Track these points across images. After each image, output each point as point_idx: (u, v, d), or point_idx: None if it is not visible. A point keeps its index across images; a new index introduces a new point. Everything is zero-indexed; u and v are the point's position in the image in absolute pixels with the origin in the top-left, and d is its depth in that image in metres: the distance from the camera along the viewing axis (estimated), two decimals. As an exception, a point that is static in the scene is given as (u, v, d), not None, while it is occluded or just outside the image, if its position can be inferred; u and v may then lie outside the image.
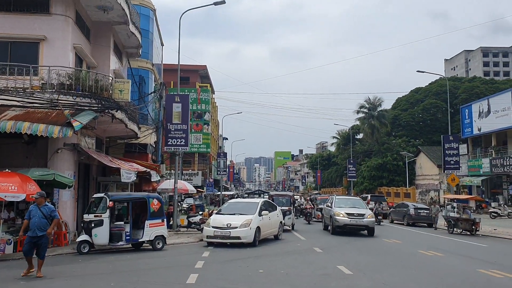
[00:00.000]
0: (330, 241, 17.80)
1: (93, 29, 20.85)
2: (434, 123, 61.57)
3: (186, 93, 21.57)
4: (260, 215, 15.82)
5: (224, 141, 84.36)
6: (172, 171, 29.95)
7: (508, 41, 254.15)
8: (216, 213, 16.63)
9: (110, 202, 13.37)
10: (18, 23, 17.07)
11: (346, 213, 19.62)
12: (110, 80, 17.49)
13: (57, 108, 14.83)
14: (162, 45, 36.32)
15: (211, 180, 53.49)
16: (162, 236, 14.47)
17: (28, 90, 15.37)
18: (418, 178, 56.35)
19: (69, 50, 17.44)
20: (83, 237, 13.42)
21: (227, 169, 57.49)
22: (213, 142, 63.58)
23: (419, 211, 28.55)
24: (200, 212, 22.06)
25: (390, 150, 58.10)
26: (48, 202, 14.49)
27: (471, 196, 27.68)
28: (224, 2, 21.63)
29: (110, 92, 17.13)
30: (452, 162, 30.28)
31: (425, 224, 28.19)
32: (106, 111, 16.35)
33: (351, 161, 54.00)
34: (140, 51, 25.39)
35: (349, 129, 69.18)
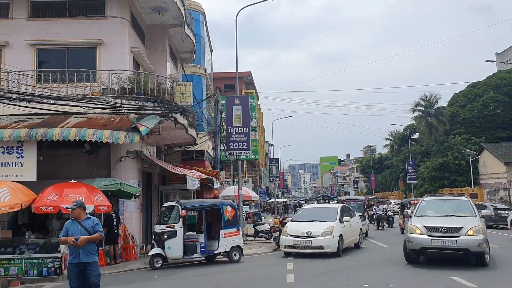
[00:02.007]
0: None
1: (148, 33, 20.09)
2: (495, 119, 57.83)
3: (246, 95, 20.28)
4: (341, 221, 14.25)
5: (270, 147, 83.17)
6: (226, 179, 28.82)
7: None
8: (292, 221, 15.17)
9: (183, 211, 12.23)
10: (74, 28, 16.45)
11: (427, 227, 11.16)
12: (171, 83, 16.51)
13: (120, 113, 13.94)
14: (211, 51, 35.57)
15: (263, 187, 52.25)
16: (239, 246, 13.20)
17: (89, 96, 14.58)
18: (482, 177, 52.86)
19: (126, 54, 16.63)
20: (156, 250, 12.30)
21: (279, 176, 56.04)
22: (260, 148, 62.53)
23: (499, 211, 26.11)
24: (270, 220, 20.70)
25: (450, 149, 54.91)
26: (112, 212, 13.75)
27: None
28: (282, -4, 20.34)
29: (172, 95, 16.16)
30: (532, 156, 27.62)
31: (507, 226, 25.75)
32: (170, 115, 15.38)
33: (411, 163, 51.34)
34: (194, 55, 24.53)
35: (404, 128, 66.41)
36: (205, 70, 28.65)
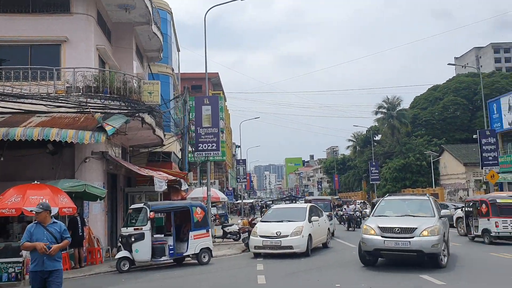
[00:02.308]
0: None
1: (114, 31, 19.62)
2: (455, 121, 59.77)
3: (217, 95, 20.12)
4: (310, 221, 14.29)
5: (237, 148, 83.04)
6: (194, 181, 28.54)
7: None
8: (262, 221, 15.11)
9: (151, 213, 11.97)
10: (37, 24, 15.88)
11: (381, 228, 10.67)
12: (138, 82, 16.17)
13: (85, 112, 13.53)
14: (179, 50, 35.16)
15: (230, 188, 52.07)
16: (208, 248, 13.04)
17: (53, 94, 14.09)
18: (443, 178, 54.48)
19: (92, 51, 16.19)
20: (123, 253, 11.99)
21: (246, 177, 56.02)
22: (227, 150, 62.32)
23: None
24: (238, 221, 20.59)
25: (412, 150, 56.35)
26: (77, 215, 13.32)
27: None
28: (251, -4, 20.31)
29: (139, 94, 15.83)
30: (490, 158, 28.72)
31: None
32: (137, 115, 15.05)
33: (373, 163, 52.33)
34: (161, 54, 24.16)
35: (367, 130, 67.62)
36: (172, 70, 28.30)
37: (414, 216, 11.28)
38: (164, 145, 23.42)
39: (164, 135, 22.03)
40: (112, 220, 18.04)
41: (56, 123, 12.93)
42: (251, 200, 59.80)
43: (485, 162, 28.51)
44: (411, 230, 10.38)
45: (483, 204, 17.06)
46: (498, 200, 16.98)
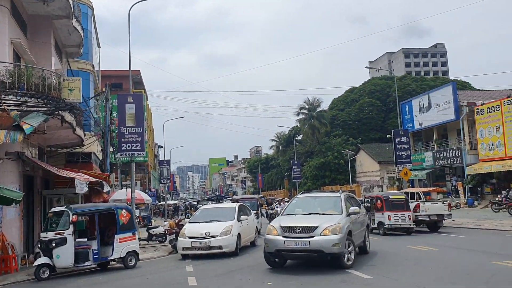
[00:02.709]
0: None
1: (30, 24, 18.41)
2: (370, 121, 63.16)
3: (139, 93, 19.59)
4: (239, 220, 14.41)
5: (160, 149, 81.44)
6: (115, 182, 27.62)
7: (424, 42, 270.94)
8: (190, 222, 14.95)
9: (74, 216, 11.40)
10: None
11: (283, 228, 10.26)
12: (58, 78, 15.30)
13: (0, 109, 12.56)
14: (99, 47, 33.77)
15: (152, 190, 50.90)
16: (135, 251, 12.67)
17: (-39, 90, 12.94)
18: (359, 175, 57.32)
19: (6, 45, 15.07)
20: (42, 259, 11.29)
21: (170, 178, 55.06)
22: (149, 150, 60.88)
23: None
24: (165, 223, 20.18)
25: (331, 149, 58.71)
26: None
27: (434, 188, 27.94)
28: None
29: (59, 91, 14.98)
30: (403, 156, 30.56)
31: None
32: (56, 113, 14.24)
33: (296, 162, 53.79)
34: (82, 50, 23.04)
35: (289, 130, 69.31)
36: (93, 67, 27.10)
37: (321, 214, 10.90)
38: (84, 145, 22.35)
39: (84, 135, 21.05)
40: (28, 225, 16.94)
41: (-35, 122, 11.90)
42: (175, 201, 58.95)
43: (399, 160, 30.32)
44: (312, 229, 9.90)
45: (378, 200, 19.24)
46: (390, 197, 19.35)
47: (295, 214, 11.25)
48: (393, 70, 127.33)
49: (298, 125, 65.86)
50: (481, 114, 34.31)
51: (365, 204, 19.26)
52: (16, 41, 15.81)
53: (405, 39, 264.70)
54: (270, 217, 26.87)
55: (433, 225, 20.03)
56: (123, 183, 37.88)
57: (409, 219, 18.43)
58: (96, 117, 23.70)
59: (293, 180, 55.70)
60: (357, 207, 11.69)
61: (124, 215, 12.60)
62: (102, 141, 27.38)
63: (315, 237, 9.80)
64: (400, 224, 18.25)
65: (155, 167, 70.87)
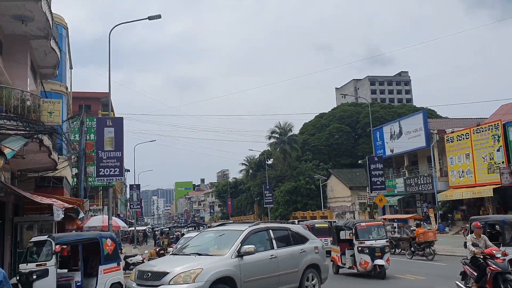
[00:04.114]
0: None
1: (6, 43, 17.72)
2: (340, 147, 63.94)
3: (119, 116, 19.11)
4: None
5: (126, 173, 79.79)
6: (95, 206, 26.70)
7: (387, 70, 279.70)
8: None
9: (57, 246, 10.75)
10: None
11: (138, 272, 8.86)
12: (38, 100, 14.70)
13: (-23, 132, 11.89)
14: (71, 68, 32.97)
15: (121, 215, 49.49)
16: (119, 283, 12.01)
17: None
18: (330, 200, 57.59)
19: (-19, 64, 14.42)
20: (22, 294, 10.55)
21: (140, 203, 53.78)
22: (117, 174, 59.53)
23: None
24: (146, 251, 19.45)
25: (302, 174, 58.89)
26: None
27: (411, 215, 28.29)
28: (159, 17, 19.83)
29: (38, 114, 14.38)
30: (378, 182, 30.90)
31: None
32: (35, 136, 13.62)
33: (267, 187, 53.56)
34: (57, 71, 22.38)
35: (260, 154, 69.29)
36: (66, 88, 26.37)
37: (202, 254, 9.05)
38: (57, 169, 21.52)
39: (58, 159, 20.29)
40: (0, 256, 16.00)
41: None
42: (144, 227, 57.43)
43: (374, 187, 30.60)
44: (161, 275, 8.14)
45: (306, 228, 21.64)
46: (316, 225, 22.90)
47: (179, 254, 9.66)
48: (359, 96, 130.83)
49: (269, 149, 65.98)
50: (451, 141, 35.22)
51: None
52: (-7, 61, 15.16)
53: (369, 67, 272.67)
54: None
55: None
56: (90, 208, 36.67)
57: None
58: (73, 140, 22.91)
59: (264, 206, 55.40)
60: (252, 246, 8.87)
61: (109, 245, 11.99)
62: (76, 165, 26.50)
63: (161, 286, 8.01)
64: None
65: (122, 192, 69.23)
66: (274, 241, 9.81)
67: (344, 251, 15.72)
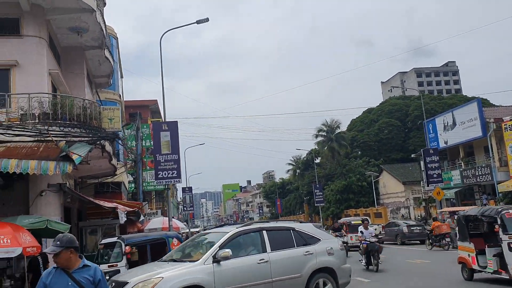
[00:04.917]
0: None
1: (64, 55, 18.51)
2: (390, 142, 62.45)
3: (174, 120, 19.43)
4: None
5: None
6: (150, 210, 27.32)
7: (432, 62, 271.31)
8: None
9: (127, 247, 11.02)
10: (-18, 48, 14.53)
11: (110, 282, 8.00)
12: (98, 108, 15.20)
13: (46, 140, 12.40)
14: (122, 77, 33.97)
15: (174, 218, 50.37)
16: (186, 282, 12.18)
17: (5, 122, 12.83)
18: (383, 197, 56.36)
19: (45, 76, 15.05)
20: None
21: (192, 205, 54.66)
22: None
23: (412, 228, 27.71)
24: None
25: (352, 171, 57.94)
26: (38, 255, 11.99)
27: (471, 207, 27.22)
28: (207, 20, 20.05)
29: (99, 121, 14.85)
30: (434, 175, 29.94)
31: (418, 241, 27.48)
32: (98, 142, 14.06)
33: (317, 186, 53.05)
34: (111, 80, 23.12)
35: (307, 153, 68.77)
36: (120, 96, 27.18)
37: (177, 261, 8.44)
38: (116, 175, 22.19)
39: (117, 164, 20.91)
40: (67, 258, 16.61)
41: (13, 154, 11.71)
42: (197, 229, 58.26)
43: (430, 180, 29.66)
44: (121, 285, 7.52)
45: (344, 225, 25.34)
46: (352, 222, 25.27)
47: (163, 260, 8.95)
48: (406, 89, 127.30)
49: (317, 147, 65.31)
50: (510, 130, 33.60)
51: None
52: (54, 72, 15.81)
53: (413, 59, 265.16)
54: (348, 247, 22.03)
55: None
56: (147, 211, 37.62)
57: (351, 238, 23.13)
58: (131, 146, 23.57)
59: (315, 204, 54.89)
60: (228, 251, 7.94)
61: (175, 244, 12.18)
62: (131, 171, 27.24)
63: None
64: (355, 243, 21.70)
65: (173, 195, 70.57)
66: (267, 243, 8.70)
67: (481, 248, 11.49)
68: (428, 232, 23.83)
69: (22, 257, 11.28)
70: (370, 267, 15.35)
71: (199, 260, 7.94)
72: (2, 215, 12.58)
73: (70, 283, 4.06)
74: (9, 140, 12.58)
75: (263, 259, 8.41)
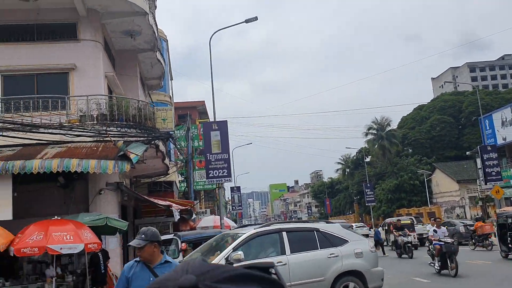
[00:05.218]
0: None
1: (117, 58, 19.08)
2: (442, 139, 60.38)
3: (224, 120, 19.60)
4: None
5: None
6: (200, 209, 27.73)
7: (486, 56, 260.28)
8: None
9: (183, 244, 11.20)
10: (43, 53, 15.20)
11: None
12: (152, 108, 15.56)
13: (104, 140, 12.81)
14: (172, 79, 34.65)
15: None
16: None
17: (66, 123, 13.36)
18: (436, 196, 54.58)
19: (101, 79, 15.55)
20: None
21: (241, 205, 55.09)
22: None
23: (469, 227, 26.63)
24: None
25: (403, 169, 56.44)
26: (99, 251, 12.41)
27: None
28: (256, 19, 20.09)
29: (154, 121, 15.20)
30: (493, 173, 28.61)
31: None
32: (152, 142, 14.39)
33: (368, 185, 52.06)
34: (162, 82, 23.63)
35: (357, 152, 67.69)
36: (170, 98, 27.74)
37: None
38: (168, 174, 22.66)
39: (169, 163, 21.35)
40: (124, 254, 17.11)
41: (74, 154, 12.16)
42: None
43: (488, 178, 28.40)
44: None
45: (391, 225, 25.87)
46: (401, 221, 25.71)
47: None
48: (458, 85, 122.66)
49: (367, 146, 64.10)
50: None
51: (385, 228, 26.95)
52: (110, 75, 16.32)
53: (465, 54, 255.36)
54: (403, 248, 20.82)
55: None
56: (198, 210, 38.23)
57: (414, 238, 23.07)
58: (183, 146, 24.02)
59: (366, 204, 53.90)
60: (240, 253, 7.63)
61: (229, 242, 12.27)
62: (181, 171, 27.73)
63: None
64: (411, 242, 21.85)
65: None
66: (287, 245, 8.32)
67: None
68: (472, 232, 23.95)
69: (83, 254, 11.75)
70: (444, 271, 13.83)
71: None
72: (64, 213, 13.09)
73: (152, 278, 3.84)
74: (70, 141, 13.10)
75: (280, 262, 7.98)
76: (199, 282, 0.53)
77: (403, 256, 21.11)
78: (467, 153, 45.11)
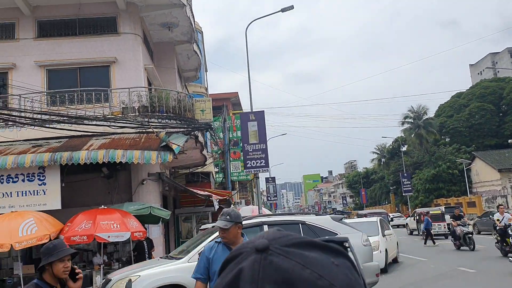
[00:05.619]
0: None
1: (156, 51, 19.36)
2: (482, 127, 58.51)
3: (261, 110, 19.62)
4: (384, 235, 13.32)
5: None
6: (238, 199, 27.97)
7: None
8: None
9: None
10: (85, 47, 15.60)
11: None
12: (191, 100, 15.74)
13: (147, 132, 13.06)
14: (206, 71, 34.90)
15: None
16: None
17: (109, 115, 13.68)
18: (476, 185, 53.11)
19: (141, 71, 15.83)
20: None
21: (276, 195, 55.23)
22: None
23: (513, 217, 25.83)
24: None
25: (441, 158, 55.11)
26: (143, 239, 12.72)
27: None
28: (292, 8, 19.95)
29: (193, 112, 15.37)
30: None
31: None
32: (192, 133, 14.57)
33: (405, 175, 51.17)
34: (198, 74, 23.84)
35: (393, 141, 66.56)
36: (206, 89, 27.95)
37: (173, 258, 8.44)
38: (206, 165, 22.92)
39: (207, 154, 21.57)
40: (165, 243, 17.47)
41: (118, 145, 12.45)
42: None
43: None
44: (106, 283, 7.81)
45: (421, 215, 26.97)
46: (430, 212, 26.31)
47: (167, 257, 9.01)
48: (498, 71, 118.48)
49: (403, 135, 62.88)
50: None
51: (416, 217, 28.61)
52: (149, 67, 16.57)
53: (506, 38, 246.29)
54: (462, 239, 19.33)
55: None
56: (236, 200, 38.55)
57: (444, 227, 25.41)
58: (218, 137, 24.24)
59: (403, 194, 53.02)
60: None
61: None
62: (217, 161, 27.96)
63: None
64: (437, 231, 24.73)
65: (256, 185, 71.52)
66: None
67: None
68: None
69: (128, 242, 12.06)
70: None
71: (184, 257, 7.65)
72: (108, 202, 13.49)
73: None
74: (113, 132, 13.42)
75: None
76: (270, 245, 0.65)
77: (462, 248, 19.35)
78: (509, 141, 43.64)
